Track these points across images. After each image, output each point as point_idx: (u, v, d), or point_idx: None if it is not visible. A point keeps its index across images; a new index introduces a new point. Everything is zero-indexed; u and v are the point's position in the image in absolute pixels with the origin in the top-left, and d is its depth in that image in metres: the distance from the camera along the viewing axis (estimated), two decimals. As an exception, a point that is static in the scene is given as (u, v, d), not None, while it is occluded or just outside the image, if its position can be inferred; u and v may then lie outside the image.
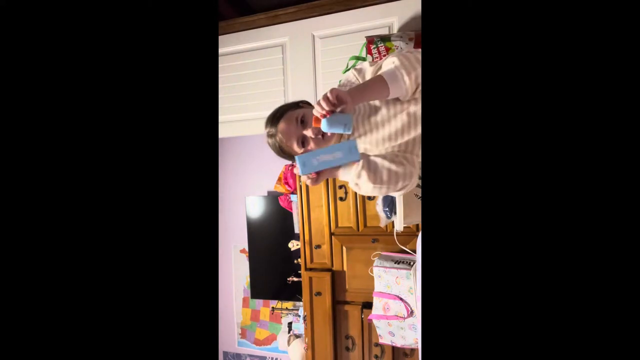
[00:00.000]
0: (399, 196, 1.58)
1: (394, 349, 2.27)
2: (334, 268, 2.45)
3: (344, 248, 2.41)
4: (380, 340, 1.95)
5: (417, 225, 2.05)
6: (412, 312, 1.77)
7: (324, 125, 1.03)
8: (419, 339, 1.57)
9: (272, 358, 3.32)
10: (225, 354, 3.48)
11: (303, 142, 1.17)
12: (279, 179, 2.84)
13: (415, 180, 1.20)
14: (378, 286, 1.89)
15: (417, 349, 1.91)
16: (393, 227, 2.12)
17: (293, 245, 2.90)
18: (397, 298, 1.82)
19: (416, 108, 1.16)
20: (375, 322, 1.91)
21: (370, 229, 2.33)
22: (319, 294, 2.46)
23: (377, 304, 1.88)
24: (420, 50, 1.13)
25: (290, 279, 2.91)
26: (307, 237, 2.49)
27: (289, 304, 3.09)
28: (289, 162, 2.80)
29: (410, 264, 1.85)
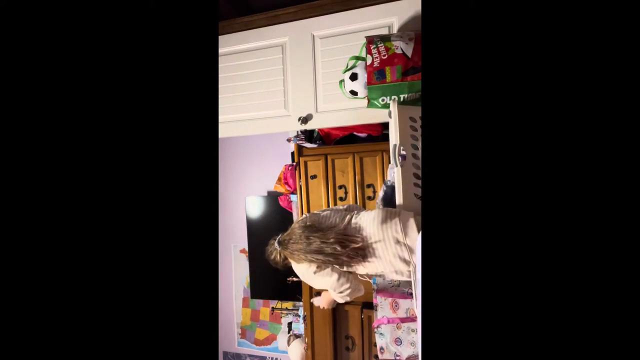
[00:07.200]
0: (398, 196, 1.59)
1: (394, 349, 2.26)
2: (334, 268, 2.44)
3: (344, 248, 2.40)
4: (381, 356, 1.81)
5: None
6: None
7: None
8: (418, 339, 1.55)
9: (272, 358, 3.32)
10: (225, 354, 3.48)
11: None
12: (279, 179, 2.83)
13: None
14: (380, 284, 1.86)
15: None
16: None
17: (293, 245, 2.89)
18: (405, 295, 1.74)
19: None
20: (378, 329, 1.79)
21: (370, 229, 2.32)
22: (319, 294, 2.46)
23: (383, 302, 1.80)
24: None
25: (290, 279, 2.90)
26: (307, 237, 2.48)
27: (289, 304, 3.09)
28: (289, 162, 2.80)
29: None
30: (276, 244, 1.53)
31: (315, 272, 1.46)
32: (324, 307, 1.76)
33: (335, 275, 1.46)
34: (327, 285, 1.51)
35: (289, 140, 2.60)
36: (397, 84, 1.70)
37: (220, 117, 2.22)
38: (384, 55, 1.70)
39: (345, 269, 1.47)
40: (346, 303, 2.40)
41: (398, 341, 1.76)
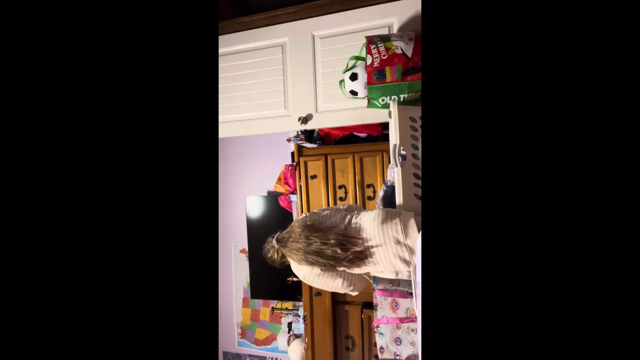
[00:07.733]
0: (398, 196, 1.59)
1: (394, 348, 2.26)
2: (334, 268, 2.44)
3: (344, 248, 2.40)
4: (381, 356, 1.86)
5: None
6: None
7: None
8: (418, 338, 1.55)
9: (272, 358, 3.32)
10: (225, 354, 3.48)
11: None
12: (279, 179, 2.83)
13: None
14: (380, 284, 1.85)
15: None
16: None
17: (293, 245, 2.89)
18: (405, 295, 1.75)
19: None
20: (378, 329, 1.83)
21: (370, 229, 2.32)
22: (318, 294, 2.46)
23: (383, 302, 1.82)
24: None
25: (290, 279, 2.90)
26: (307, 237, 2.48)
27: (289, 304, 3.09)
28: (289, 162, 2.80)
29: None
30: (274, 242, 1.52)
31: (319, 275, 1.46)
32: None
33: (339, 280, 1.47)
34: (331, 288, 1.52)
35: (289, 140, 2.60)
36: (397, 84, 1.70)
37: (220, 117, 2.22)
38: (384, 55, 1.70)
39: (343, 269, 1.47)
40: (346, 303, 2.43)
41: (398, 341, 1.77)
